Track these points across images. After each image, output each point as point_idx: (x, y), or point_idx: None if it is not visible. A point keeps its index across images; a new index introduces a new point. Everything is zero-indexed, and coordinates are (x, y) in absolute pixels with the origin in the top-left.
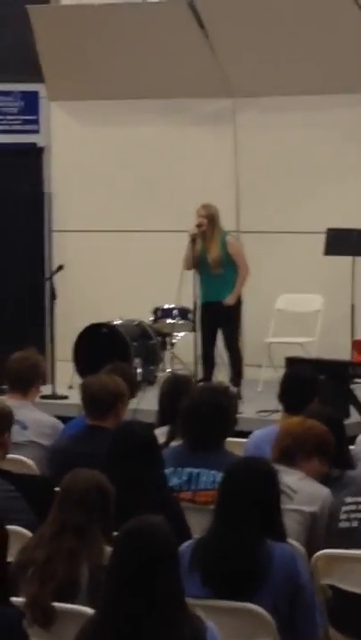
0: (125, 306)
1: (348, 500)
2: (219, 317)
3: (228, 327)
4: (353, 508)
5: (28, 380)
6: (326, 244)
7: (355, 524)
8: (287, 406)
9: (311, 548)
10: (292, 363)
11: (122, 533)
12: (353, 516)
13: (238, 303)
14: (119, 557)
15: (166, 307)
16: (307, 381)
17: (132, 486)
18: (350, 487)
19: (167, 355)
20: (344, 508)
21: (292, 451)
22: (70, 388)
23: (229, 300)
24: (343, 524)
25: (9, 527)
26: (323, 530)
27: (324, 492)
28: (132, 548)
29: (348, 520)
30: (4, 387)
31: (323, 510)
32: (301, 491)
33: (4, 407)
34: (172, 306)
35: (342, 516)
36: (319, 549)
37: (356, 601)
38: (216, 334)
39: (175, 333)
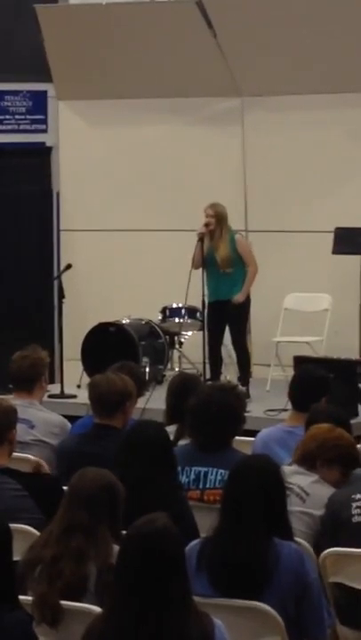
0: (133, 305)
1: (358, 496)
2: (227, 315)
3: (236, 325)
4: None
5: (30, 378)
6: (334, 244)
7: None
8: (296, 404)
9: (319, 550)
10: (300, 362)
11: (129, 533)
12: None
13: (247, 301)
14: (126, 557)
15: (174, 306)
16: (318, 380)
17: (143, 486)
18: (357, 484)
19: (175, 354)
20: (355, 504)
21: (313, 455)
22: (78, 387)
23: (239, 297)
24: (357, 519)
25: (16, 526)
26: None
27: None
28: (140, 548)
29: None
30: (11, 386)
31: None
32: (314, 494)
33: (7, 404)
34: (181, 305)
35: (355, 511)
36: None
37: None
38: (223, 332)
39: (183, 332)
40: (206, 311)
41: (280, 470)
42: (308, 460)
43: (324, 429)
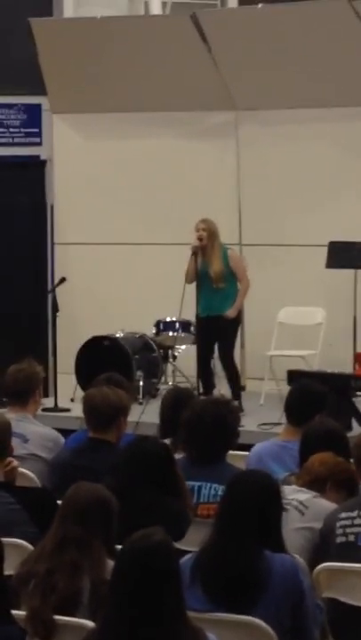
0: (128, 318)
1: (343, 515)
2: (217, 331)
3: (225, 341)
4: (348, 522)
5: (24, 392)
6: (328, 257)
7: (351, 538)
8: (292, 418)
9: (317, 564)
10: (294, 376)
11: (125, 548)
12: (348, 530)
13: (238, 317)
14: (122, 572)
15: (168, 319)
16: (316, 395)
17: (141, 502)
18: (345, 503)
19: (169, 368)
20: (339, 524)
21: (324, 478)
22: (72, 400)
23: (230, 313)
24: (340, 539)
25: (10, 540)
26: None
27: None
28: (136, 563)
29: (343, 535)
30: (5, 400)
31: None
32: (313, 506)
33: (4, 420)
34: (174, 319)
35: (338, 531)
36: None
37: (358, 614)
38: (214, 347)
39: (177, 346)
40: (197, 325)
41: (278, 487)
42: (318, 484)
43: (330, 456)
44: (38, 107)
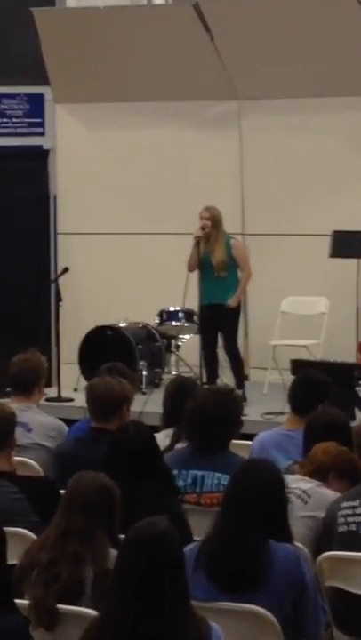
0: (131, 308)
1: (344, 504)
2: (219, 319)
3: (227, 330)
4: (350, 512)
5: (29, 382)
6: (332, 247)
7: (353, 527)
8: (296, 407)
9: (320, 553)
10: (297, 365)
11: (129, 536)
12: (350, 519)
13: (238, 306)
14: (126, 562)
15: (172, 309)
16: (319, 385)
17: (129, 489)
18: (348, 492)
19: (172, 357)
20: (340, 513)
21: (327, 468)
22: (75, 390)
23: (232, 302)
24: (342, 528)
25: (13, 529)
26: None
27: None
28: (139, 554)
29: (345, 524)
30: (9, 389)
31: None
32: (315, 495)
33: (9, 410)
34: (178, 308)
35: (340, 520)
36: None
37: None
38: (217, 336)
39: (180, 336)
40: (200, 314)
41: (281, 475)
42: (320, 473)
43: (333, 445)
44: (41, 96)
